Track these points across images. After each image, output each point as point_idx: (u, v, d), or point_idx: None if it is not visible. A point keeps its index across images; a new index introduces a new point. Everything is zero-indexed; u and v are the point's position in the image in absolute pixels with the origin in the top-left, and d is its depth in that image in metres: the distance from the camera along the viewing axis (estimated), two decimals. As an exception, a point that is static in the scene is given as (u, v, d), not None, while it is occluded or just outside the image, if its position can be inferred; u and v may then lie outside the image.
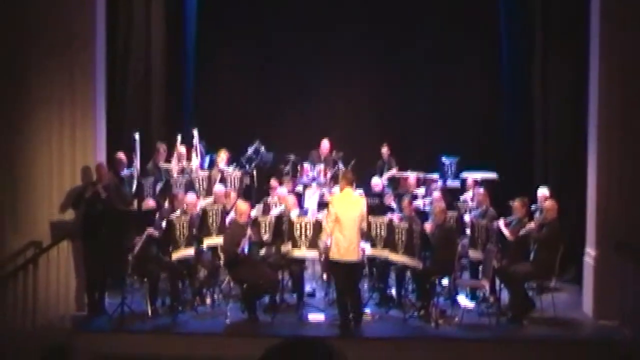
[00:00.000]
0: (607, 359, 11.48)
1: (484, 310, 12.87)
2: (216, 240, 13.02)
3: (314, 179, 16.48)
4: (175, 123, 16.70)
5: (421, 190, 16.19)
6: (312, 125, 18.27)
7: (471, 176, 16.17)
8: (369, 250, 12.88)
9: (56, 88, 12.46)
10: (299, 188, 15.97)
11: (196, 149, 15.32)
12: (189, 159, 15.22)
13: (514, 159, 16.85)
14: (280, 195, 14.23)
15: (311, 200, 15.26)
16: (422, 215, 13.82)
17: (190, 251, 12.67)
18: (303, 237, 12.67)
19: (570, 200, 14.34)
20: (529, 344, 11.88)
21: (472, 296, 13.43)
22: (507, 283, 12.73)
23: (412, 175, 16.58)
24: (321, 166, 16.80)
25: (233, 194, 14.10)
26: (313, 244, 12.70)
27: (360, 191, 13.80)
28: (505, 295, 12.89)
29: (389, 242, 12.72)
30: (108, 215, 12.74)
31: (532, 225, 12.90)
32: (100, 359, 11.44)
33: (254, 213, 13.58)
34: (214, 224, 13.04)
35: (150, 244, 12.59)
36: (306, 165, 16.90)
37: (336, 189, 13.83)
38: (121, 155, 14.33)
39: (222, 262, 12.97)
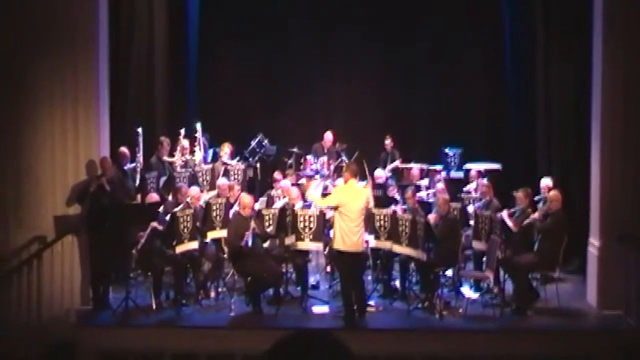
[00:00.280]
0: (611, 349, 11.47)
1: (488, 301, 12.88)
2: (220, 233, 13.03)
3: (317, 171, 16.48)
4: (179, 117, 16.68)
5: (425, 182, 16.21)
6: (315, 117, 18.30)
7: (475, 167, 16.17)
8: (372, 242, 12.89)
9: (59, 82, 12.46)
10: (303, 180, 15.95)
11: (199, 143, 15.30)
12: (192, 152, 15.21)
13: (517, 150, 16.83)
14: (284, 188, 14.23)
15: (315, 192, 15.23)
16: (426, 207, 13.83)
17: (194, 244, 12.66)
18: (307, 229, 12.67)
19: (574, 191, 14.34)
20: (533, 335, 11.89)
21: (476, 287, 13.43)
22: (511, 274, 12.73)
23: (415, 167, 16.60)
24: (324, 158, 16.80)
25: (237, 187, 14.10)
26: (317, 236, 12.70)
27: (365, 183, 13.80)
28: (509, 286, 12.88)
29: (393, 234, 12.71)
30: (113, 209, 12.74)
31: (535, 215, 12.91)
32: (105, 353, 11.47)
33: (257, 206, 13.57)
34: (218, 217, 13.05)
35: (154, 238, 12.60)
36: (309, 158, 16.90)
37: (339, 180, 13.84)
38: (124, 149, 14.32)
39: (226, 255, 12.99)
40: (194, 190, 13.31)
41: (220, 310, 12.60)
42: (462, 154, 16.95)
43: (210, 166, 14.98)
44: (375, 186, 14.74)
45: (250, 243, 12.28)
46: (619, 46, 12.60)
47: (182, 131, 15.18)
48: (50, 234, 12.33)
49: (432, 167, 16.80)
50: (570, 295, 13.41)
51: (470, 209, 14.02)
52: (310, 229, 12.66)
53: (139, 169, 14.35)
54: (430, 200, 14.49)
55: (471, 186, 15.57)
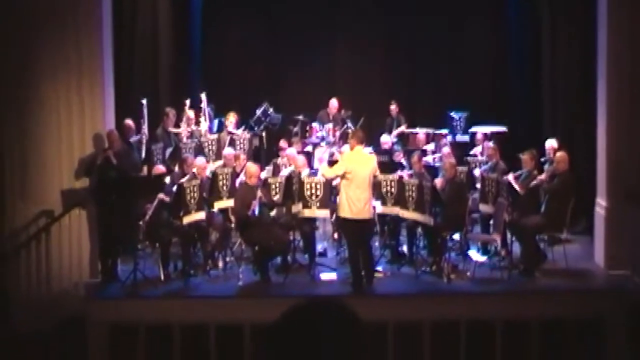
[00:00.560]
0: (619, 309, 11.51)
1: (495, 263, 12.91)
2: (227, 203, 13.03)
3: (323, 139, 16.47)
4: (183, 87, 16.68)
5: (431, 146, 16.19)
6: (319, 85, 18.25)
7: (480, 130, 16.16)
8: (379, 208, 12.89)
9: (63, 57, 12.43)
10: (309, 148, 15.94)
11: (205, 113, 15.29)
12: (197, 123, 15.20)
13: (522, 112, 16.82)
14: (290, 156, 14.23)
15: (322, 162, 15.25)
16: (432, 171, 13.83)
17: (201, 215, 12.66)
18: (313, 197, 12.67)
19: (580, 152, 14.32)
20: (541, 296, 11.93)
21: (484, 250, 13.43)
22: (519, 236, 12.74)
23: (421, 132, 16.60)
24: (330, 125, 16.78)
25: (242, 157, 14.11)
26: (323, 203, 12.70)
27: (370, 149, 13.79)
28: (516, 248, 12.90)
29: (400, 199, 12.71)
30: (119, 182, 12.75)
31: (542, 177, 12.91)
32: (114, 325, 11.52)
33: (263, 175, 13.59)
34: (224, 187, 13.04)
35: (162, 210, 12.61)
36: (315, 125, 16.89)
37: (345, 147, 13.83)
38: (129, 121, 14.33)
39: (233, 224, 13.00)
40: (200, 160, 13.30)
41: (228, 280, 12.63)
42: (468, 118, 16.93)
43: (215, 136, 14.96)
44: (381, 152, 14.74)
45: (257, 212, 12.30)
46: (624, 5, 12.54)
47: (187, 102, 15.18)
48: (58, 208, 12.35)
49: (437, 132, 16.78)
50: (578, 256, 13.43)
51: (477, 172, 14.01)
52: (317, 196, 12.65)
53: (144, 141, 14.37)
54: (437, 164, 14.49)
55: (477, 149, 15.58)
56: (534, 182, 12.85)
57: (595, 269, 12.97)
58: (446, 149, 14.79)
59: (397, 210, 12.79)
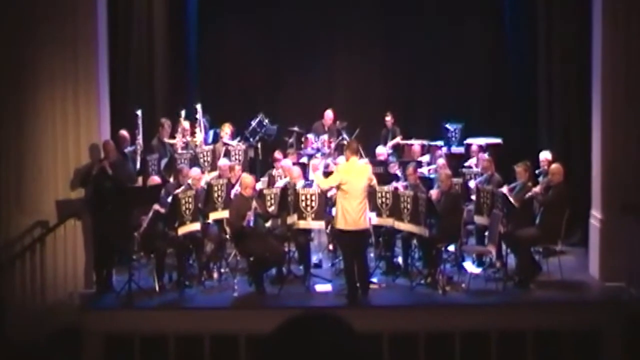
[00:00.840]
0: (615, 321, 11.51)
1: (490, 275, 12.90)
2: (222, 214, 13.03)
3: (318, 150, 16.47)
4: (179, 98, 16.66)
5: (426, 158, 16.21)
6: (315, 96, 18.24)
7: (475, 142, 16.17)
8: (374, 219, 12.89)
9: (59, 66, 12.45)
10: (304, 159, 15.94)
11: (200, 124, 15.29)
12: (193, 134, 15.20)
13: (518, 124, 16.82)
14: (285, 167, 14.23)
15: (317, 172, 15.25)
16: (427, 183, 13.83)
17: (196, 226, 12.66)
18: (309, 208, 12.68)
19: (576, 164, 14.33)
20: (536, 308, 11.92)
21: (479, 262, 13.44)
22: (514, 248, 12.75)
23: (416, 143, 16.61)
24: (325, 137, 16.79)
25: (238, 168, 14.10)
26: (319, 215, 12.71)
27: (366, 160, 13.79)
28: (511, 260, 12.90)
29: (395, 211, 12.72)
30: (115, 193, 12.74)
31: (536, 189, 12.92)
32: (109, 336, 11.50)
33: (259, 186, 13.58)
34: (220, 198, 13.05)
35: (157, 220, 12.60)
36: (310, 137, 16.89)
37: (341, 158, 13.84)
38: (124, 132, 14.34)
39: (228, 235, 13.00)
40: (195, 171, 13.31)
41: (223, 291, 12.62)
42: (463, 129, 16.94)
43: (211, 147, 14.97)
44: (376, 163, 14.75)
45: (252, 223, 12.30)
46: (619, 16, 12.56)
47: (183, 113, 15.16)
48: (53, 219, 12.35)
49: (433, 143, 16.79)
50: (573, 267, 13.43)
51: (472, 183, 14.02)
52: (312, 207, 12.67)
53: (139, 152, 14.36)
54: (432, 176, 14.49)
55: (472, 161, 15.57)
56: (529, 194, 12.86)
57: (590, 281, 12.97)
58: (441, 161, 14.79)
59: (392, 222, 12.80)
